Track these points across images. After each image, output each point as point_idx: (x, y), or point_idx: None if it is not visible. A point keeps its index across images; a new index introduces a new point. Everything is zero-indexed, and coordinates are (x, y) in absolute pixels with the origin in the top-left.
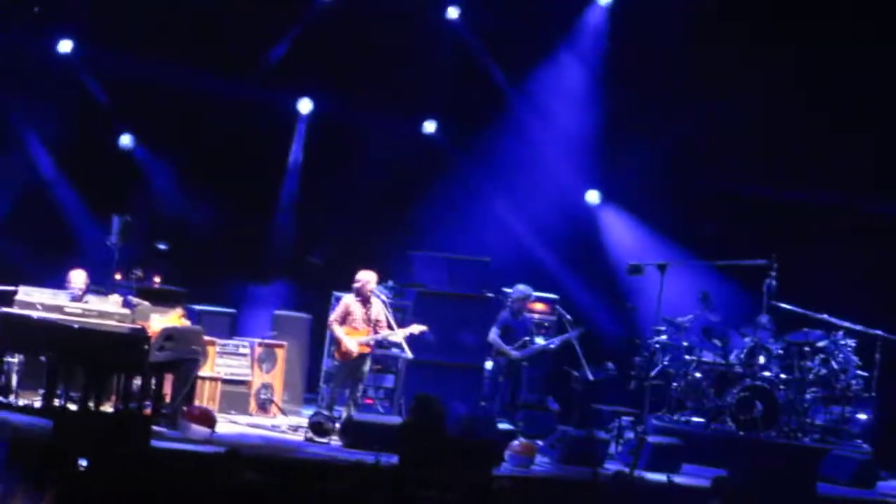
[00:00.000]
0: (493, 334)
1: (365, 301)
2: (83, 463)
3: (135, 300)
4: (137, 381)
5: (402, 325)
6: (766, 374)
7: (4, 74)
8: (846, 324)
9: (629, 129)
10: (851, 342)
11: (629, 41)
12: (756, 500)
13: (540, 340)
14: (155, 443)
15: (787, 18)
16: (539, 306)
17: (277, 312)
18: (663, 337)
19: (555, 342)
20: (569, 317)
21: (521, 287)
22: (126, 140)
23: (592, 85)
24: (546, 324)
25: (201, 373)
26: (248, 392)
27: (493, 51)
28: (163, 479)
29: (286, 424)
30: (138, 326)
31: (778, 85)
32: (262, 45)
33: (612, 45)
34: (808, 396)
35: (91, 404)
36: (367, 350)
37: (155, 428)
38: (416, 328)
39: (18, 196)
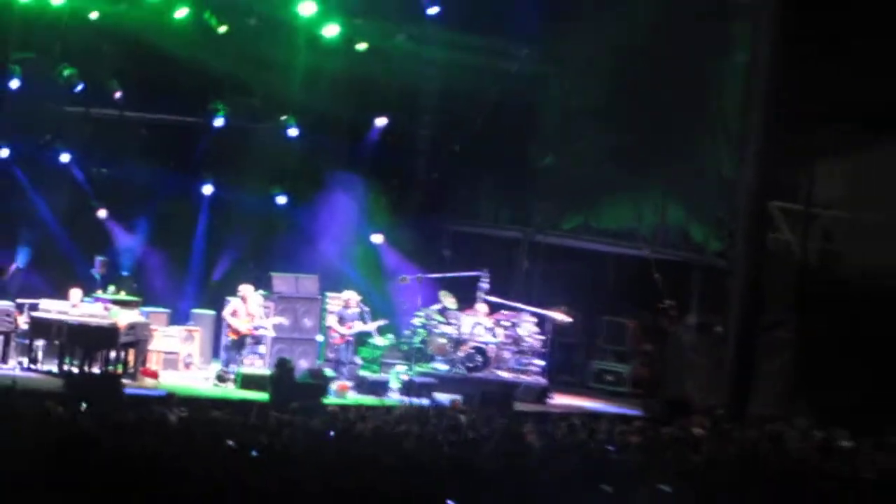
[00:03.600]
0: (335, 321)
1: (245, 302)
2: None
3: (110, 306)
4: (112, 354)
5: (269, 316)
6: (483, 338)
7: None
8: (530, 308)
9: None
10: (533, 318)
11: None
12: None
13: (360, 325)
14: (125, 391)
15: None
16: (355, 304)
17: (195, 311)
18: (421, 319)
19: (369, 327)
20: (367, 308)
21: (348, 292)
22: None
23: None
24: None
25: (149, 348)
26: (178, 358)
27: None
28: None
29: (203, 376)
30: (112, 321)
31: None
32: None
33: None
34: (508, 351)
35: (86, 368)
36: (249, 332)
37: (123, 380)
38: (278, 319)
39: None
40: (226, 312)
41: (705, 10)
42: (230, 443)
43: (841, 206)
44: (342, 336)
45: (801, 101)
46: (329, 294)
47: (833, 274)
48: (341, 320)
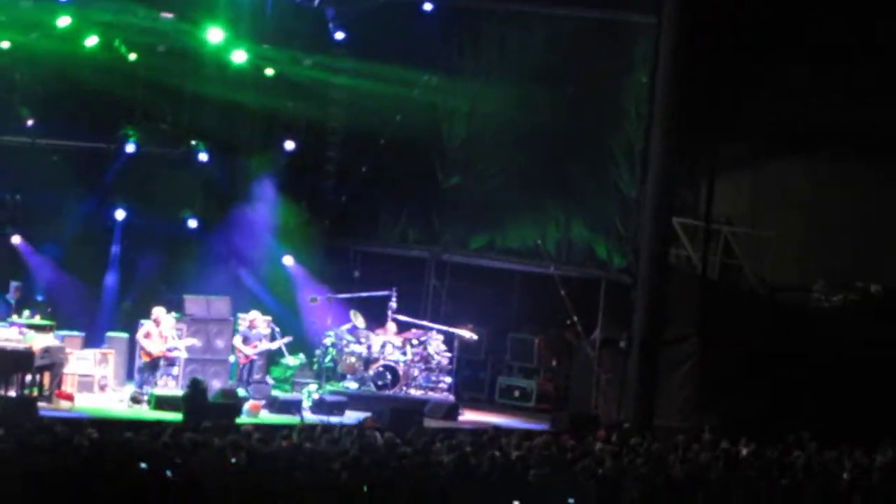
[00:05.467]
0: (239, 341)
1: (158, 324)
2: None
3: (25, 330)
4: (28, 377)
5: (181, 338)
6: (393, 357)
7: None
8: (437, 326)
9: (300, 209)
10: (441, 336)
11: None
12: (391, 429)
13: (265, 344)
14: (41, 413)
15: None
16: (261, 323)
17: (109, 334)
18: (331, 338)
19: (274, 346)
20: (278, 329)
21: (252, 312)
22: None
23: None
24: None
25: (64, 371)
26: (93, 381)
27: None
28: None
29: (117, 398)
30: (27, 345)
31: None
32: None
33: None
34: (417, 368)
35: (2, 392)
36: (162, 354)
37: (39, 403)
38: (190, 341)
39: None
40: (139, 335)
41: (607, 31)
42: (143, 465)
43: (740, 221)
44: (247, 356)
45: (700, 120)
46: (240, 315)
47: (734, 287)
48: (245, 340)
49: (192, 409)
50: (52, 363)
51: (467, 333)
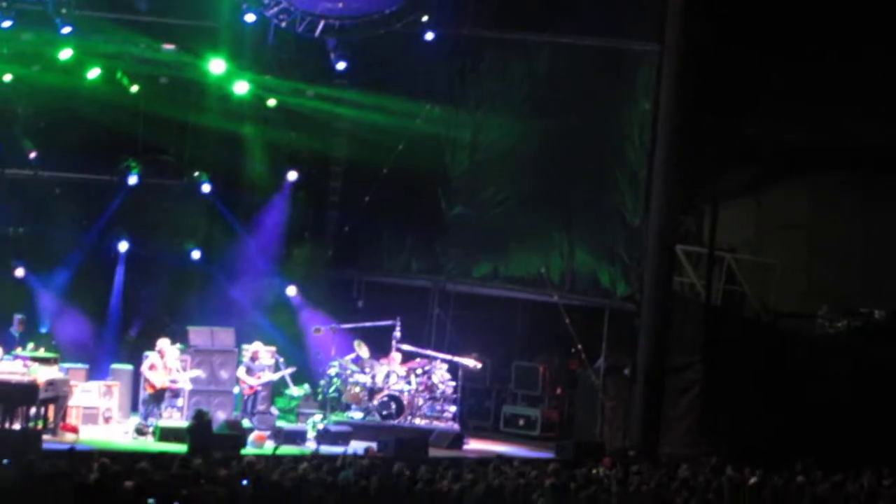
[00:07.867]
0: (242, 372)
1: (162, 356)
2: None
3: (29, 363)
4: (32, 410)
5: (185, 369)
6: (397, 386)
7: None
8: (441, 355)
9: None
10: (445, 365)
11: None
12: (397, 458)
13: (268, 374)
14: (45, 446)
15: None
16: (265, 354)
17: (113, 366)
18: (335, 368)
19: (276, 376)
20: (282, 359)
21: (256, 343)
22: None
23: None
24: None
25: (69, 403)
26: (97, 413)
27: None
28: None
29: (122, 430)
30: (32, 378)
31: None
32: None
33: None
34: (422, 398)
35: (7, 424)
36: (167, 386)
37: (44, 436)
38: (195, 372)
39: None
40: (144, 367)
41: (609, 59)
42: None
43: (743, 248)
44: (251, 387)
45: (703, 147)
46: (244, 346)
47: (738, 314)
48: (249, 371)
49: (196, 440)
50: (57, 396)
51: (471, 362)
